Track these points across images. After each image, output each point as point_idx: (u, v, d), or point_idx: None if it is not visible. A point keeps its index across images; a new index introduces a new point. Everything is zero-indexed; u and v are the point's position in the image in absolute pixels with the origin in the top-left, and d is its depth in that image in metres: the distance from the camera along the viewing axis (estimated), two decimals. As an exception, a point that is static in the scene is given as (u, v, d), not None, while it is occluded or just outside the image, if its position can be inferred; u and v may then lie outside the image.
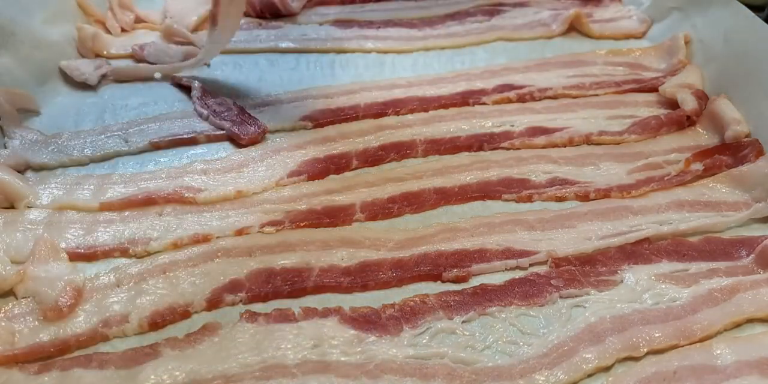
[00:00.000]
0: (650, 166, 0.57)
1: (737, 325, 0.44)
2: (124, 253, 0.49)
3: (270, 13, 0.78)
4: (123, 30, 0.74)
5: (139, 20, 0.75)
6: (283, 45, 0.73)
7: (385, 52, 0.73)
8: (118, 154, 0.58)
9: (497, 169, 0.56)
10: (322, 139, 0.60)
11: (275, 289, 0.46)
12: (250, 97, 0.65)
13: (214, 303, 0.45)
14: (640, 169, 0.56)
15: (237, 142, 0.60)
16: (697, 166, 0.55)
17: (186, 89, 0.66)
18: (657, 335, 0.43)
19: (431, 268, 0.48)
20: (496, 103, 0.65)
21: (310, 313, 0.44)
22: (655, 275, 0.47)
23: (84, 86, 0.66)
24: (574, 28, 0.76)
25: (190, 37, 0.71)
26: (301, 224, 0.51)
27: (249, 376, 0.40)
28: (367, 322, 0.44)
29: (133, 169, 0.57)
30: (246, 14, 0.78)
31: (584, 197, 0.54)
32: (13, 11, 0.62)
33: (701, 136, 0.60)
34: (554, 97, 0.66)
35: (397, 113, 0.63)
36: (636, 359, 0.42)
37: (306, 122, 0.62)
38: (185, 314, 0.45)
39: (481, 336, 0.43)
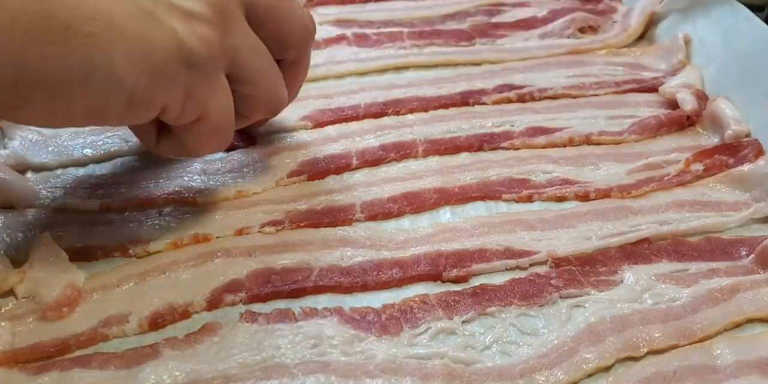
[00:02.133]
0: (650, 166, 0.57)
1: (737, 325, 0.44)
2: (124, 253, 0.49)
3: (270, 13, 0.78)
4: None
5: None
6: (283, 45, 0.73)
7: (385, 52, 0.73)
8: (118, 154, 0.58)
9: (497, 169, 0.56)
10: (322, 139, 0.60)
11: (275, 289, 0.46)
12: (250, 97, 0.65)
13: (214, 303, 0.45)
14: (640, 169, 0.56)
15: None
16: (697, 166, 0.55)
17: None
18: (657, 335, 0.42)
19: (431, 268, 0.48)
20: (496, 103, 0.65)
21: (310, 313, 0.44)
22: (655, 275, 0.47)
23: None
24: (573, 28, 0.76)
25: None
26: (301, 224, 0.51)
27: (249, 376, 0.40)
28: (367, 322, 0.44)
29: (133, 169, 0.57)
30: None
31: (584, 197, 0.54)
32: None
33: (701, 136, 0.60)
34: (554, 97, 0.65)
35: (397, 113, 0.63)
36: (636, 359, 0.42)
37: (306, 122, 0.62)
38: (185, 314, 0.45)
39: (481, 336, 0.43)
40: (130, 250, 0.49)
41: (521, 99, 0.65)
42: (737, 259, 0.48)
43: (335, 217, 0.52)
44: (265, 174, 0.56)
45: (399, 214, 0.53)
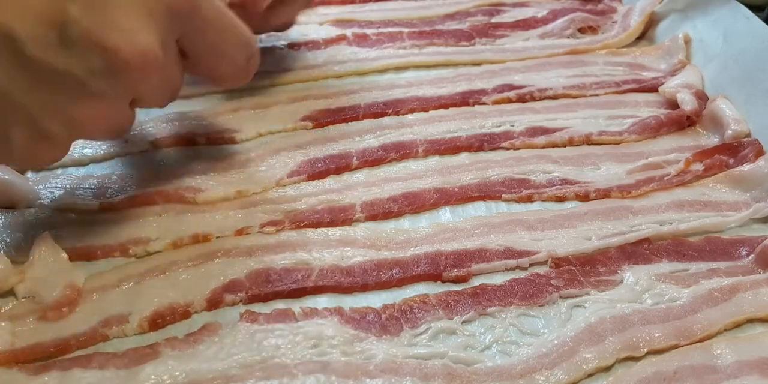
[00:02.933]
0: (650, 166, 0.57)
1: (737, 325, 0.44)
2: (124, 253, 0.49)
3: (270, 13, 0.78)
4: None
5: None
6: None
7: (385, 52, 0.73)
8: (118, 154, 0.58)
9: (497, 169, 0.56)
10: (322, 139, 0.60)
11: (275, 289, 0.46)
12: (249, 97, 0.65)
13: (214, 303, 0.45)
14: (640, 169, 0.56)
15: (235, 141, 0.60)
16: (697, 166, 0.55)
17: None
18: (657, 335, 0.43)
19: (431, 268, 0.48)
20: (496, 103, 0.65)
21: (310, 313, 0.44)
22: (655, 275, 0.47)
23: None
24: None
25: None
26: (301, 224, 0.51)
27: (249, 376, 0.40)
28: (367, 322, 0.44)
29: (133, 169, 0.57)
30: (246, 14, 0.78)
31: (584, 197, 0.54)
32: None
33: (701, 136, 0.60)
34: (554, 97, 0.65)
35: (397, 113, 0.63)
36: (636, 359, 0.42)
37: (306, 122, 0.62)
38: (185, 314, 0.45)
39: (481, 336, 0.43)
40: (130, 250, 0.49)
41: (521, 99, 0.65)
42: (737, 259, 0.48)
43: (335, 217, 0.52)
44: (265, 174, 0.56)
45: (399, 214, 0.53)
